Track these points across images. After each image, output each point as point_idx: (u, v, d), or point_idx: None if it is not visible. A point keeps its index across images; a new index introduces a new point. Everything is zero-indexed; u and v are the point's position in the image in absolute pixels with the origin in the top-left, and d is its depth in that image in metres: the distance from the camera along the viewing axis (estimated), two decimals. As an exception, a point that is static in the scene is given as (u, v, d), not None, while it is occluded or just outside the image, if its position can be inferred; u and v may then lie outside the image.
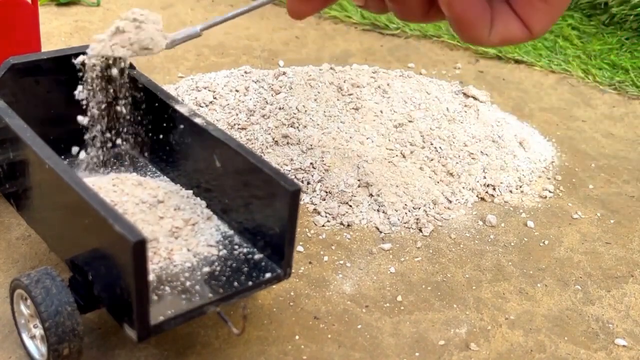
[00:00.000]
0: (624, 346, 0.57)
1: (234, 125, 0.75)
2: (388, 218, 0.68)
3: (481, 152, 0.76)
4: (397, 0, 0.43)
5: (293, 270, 0.52)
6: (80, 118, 0.57)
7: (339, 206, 0.68)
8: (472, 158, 0.75)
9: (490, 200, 0.73)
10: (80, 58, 0.55)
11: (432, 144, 0.76)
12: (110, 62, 0.56)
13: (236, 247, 0.52)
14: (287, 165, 0.70)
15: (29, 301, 0.47)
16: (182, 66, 0.94)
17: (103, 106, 0.58)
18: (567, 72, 1.04)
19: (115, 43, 0.53)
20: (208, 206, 0.55)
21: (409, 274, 0.62)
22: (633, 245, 0.69)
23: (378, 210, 0.68)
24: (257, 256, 0.51)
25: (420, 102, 0.82)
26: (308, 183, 0.70)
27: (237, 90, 0.80)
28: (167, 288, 0.47)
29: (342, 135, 0.74)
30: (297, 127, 0.73)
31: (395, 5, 0.44)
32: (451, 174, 0.73)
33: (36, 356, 0.49)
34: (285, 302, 0.58)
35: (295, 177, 0.70)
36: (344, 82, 0.80)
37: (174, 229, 0.51)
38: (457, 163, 0.74)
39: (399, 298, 0.59)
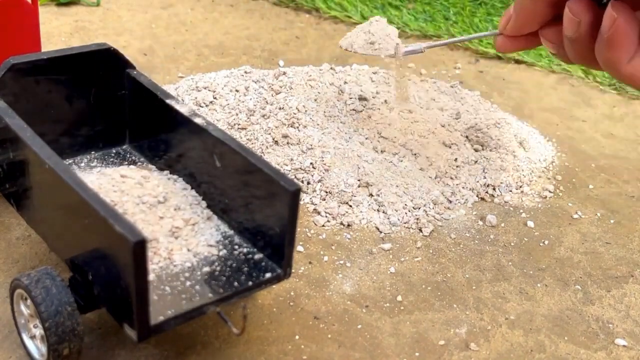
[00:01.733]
0: (624, 346, 0.57)
1: (234, 125, 0.75)
2: (388, 218, 0.68)
3: (481, 151, 0.76)
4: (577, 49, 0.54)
5: (293, 270, 0.52)
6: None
7: (339, 206, 0.68)
8: (473, 158, 0.75)
9: (490, 200, 0.73)
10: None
11: (432, 144, 0.76)
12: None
13: (236, 247, 0.52)
14: (287, 165, 0.70)
15: (29, 301, 0.47)
16: (182, 66, 0.94)
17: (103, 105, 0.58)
18: (567, 72, 1.04)
19: (357, 43, 0.64)
20: (208, 206, 0.55)
21: (409, 274, 0.62)
22: (633, 245, 0.69)
23: (378, 210, 0.68)
24: (257, 256, 0.51)
25: (420, 102, 0.82)
26: (308, 183, 0.69)
27: (237, 90, 0.80)
28: (167, 288, 0.47)
29: (342, 135, 0.74)
30: (297, 127, 0.73)
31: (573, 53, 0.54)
32: (451, 175, 0.73)
33: (36, 356, 0.49)
34: (285, 302, 0.58)
35: (295, 177, 0.70)
36: (347, 86, 0.80)
37: (174, 229, 0.51)
38: (457, 164, 0.74)
39: (399, 298, 0.59)
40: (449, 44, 0.64)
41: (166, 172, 0.58)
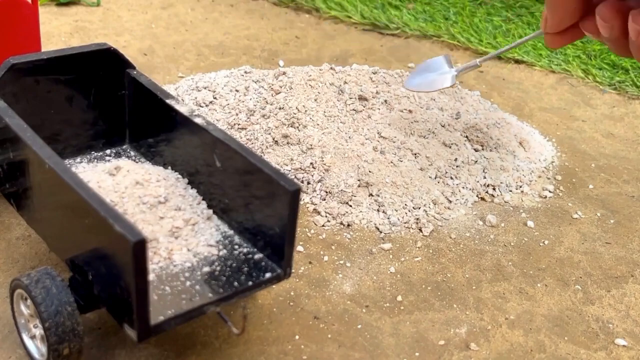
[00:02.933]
0: (624, 346, 0.57)
1: (234, 125, 0.75)
2: (388, 218, 0.68)
3: (481, 151, 0.76)
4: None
5: (293, 270, 0.52)
6: None
7: (339, 206, 0.68)
8: (473, 158, 0.75)
9: (490, 200, 0.73)
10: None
11: (432, 144, 0.76)
12: None
13: (236, 247, 0.52)
14: (287, 166, 0.70)
15: (29, 301, 0.47)
16: (182, 66, 0.94)
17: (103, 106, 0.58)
18: (567, 72, 1.04)
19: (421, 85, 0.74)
20: (208, 206, 0.55)
21: (409, 274, 0.62)
22: (633, 245, 0.69)
23: (378, 210, 0.68)
24: (257, 256, 0.51)
25: (420, 102, 0.82)
26: (308, 183, 0.70)
27: (237, 90, 0.80)
28: (167, 288, 0.47)
29: (342, 135, 0.74)
30: (297, 127, 0.73)
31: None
32: (451, 175, 0.73)
33: (36, 356, 0.49)
34: (285, 302, 0.58)
35: (295, 177, 0.70)
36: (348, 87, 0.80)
37: (174, 229, 0.51)
38: (457, 164, 0.74)
39: (399, 298, 0.59)
40: (501, 54, 0.67)
41: (167, 171, 0.58)
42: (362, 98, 0.79)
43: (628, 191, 0.78)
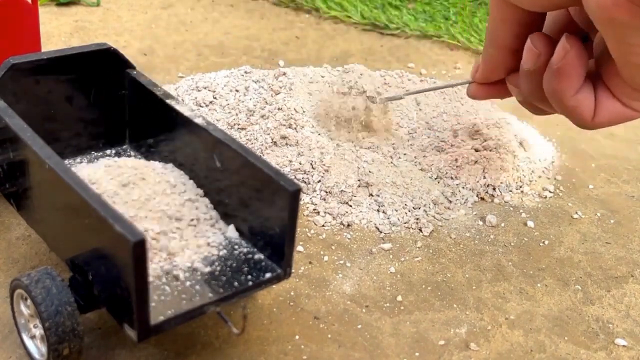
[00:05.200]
0: (624, 346, 0.57)
1: (234, 125, 0.75)
2: (388, 218, 0.68)
3: (481, 151, 0.76)
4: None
5: (293, 270, 0.52)
6: None
7: (339, 206, 0.68)
8: (473, 158, 0.75)
9: (490, 200, 0.73)
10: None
11: (431, 144, 0.76)
12: None
13: (236, 247, 0.52)
14: (286, 167, 0.70)
15: (29, 301, 0.47)
16: (182, 66, 0.94)
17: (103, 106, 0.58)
18: (567, 72, 1.04)
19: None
20: (208, 206, 0.55)
21: (409, 274, 0.62)
22: (633, 245, 0.69)
23: (378, 210, 0.68)
24: (257, 256, 0.51)
25: (419, 103, 0.82)
26: (308, 183, 0.69)
27: (237, 90, 0.80)
28: (167, 288, 0.47)
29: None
30: (295, 128, 0.73)
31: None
32: (451, 175, 0.73)
33: (36, 356, 0.49)
34: (285, 302, 0.58)
35: (295, 177, 0.70)
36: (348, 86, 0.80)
37: (175, 228, 0.51)
38: (457, 164, 0.74)
39: (399, 298, 0.59)
40: (424, 92, 0.68)
41: (167, 171, 0.58)
42: (362, 98, 0.79)
43: (628, 191, 0.78)
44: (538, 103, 0.60)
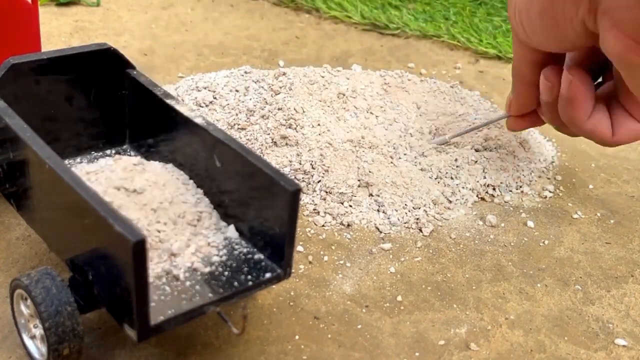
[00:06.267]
0: (624, 346, 0.57)
1: (234, 125, 0.75)
2: (388, 218, 0.68)
3: (481, 151, 0.76)
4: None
5: (293, 270, 0.52)
6: None
7: (339, 206, 0.68)
8: (473, 158, 0.75)
9: (490, 200, 0.73)
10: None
11: (431, 144, 0.76)
12: None
13: (236, 247, 0.52)
14: (286, 167, 0.70)
15: (29, 301, 0.47)
16: (182, 66, 0.94)
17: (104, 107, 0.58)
18: (567, 72, 1.04)
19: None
20: (208, 206, 0.55)
21: (409, 274, 0.62)
22: (633, 245, 0.69)
23: (378, 210, 0.68)
24: (257, 256, 0.51)
25: (420, 102, 0.82)
26: (308, 183, 0.69)
27: (237, 90, 0.80)
28: (167, 288, 0.47)
29: (341, 137, 0.74)
30: (295, 129, 0.73)
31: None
32: (451, 175, 0.73)
33: (36, 356, 0.49)
34: (285, 302, 0.58)
35: (295, 177, 0.70)
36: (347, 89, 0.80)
37: (175, 228, 0.51)
38: (457, 164, 0.74)
39: (399, 298, 0.59)
40: (469, 132, 0.77)
41: (167, 171, 0.58)
42: (362, 98, 0.79)
43: (628, 191, 0.78)
44: (563, 128, 0.65)
